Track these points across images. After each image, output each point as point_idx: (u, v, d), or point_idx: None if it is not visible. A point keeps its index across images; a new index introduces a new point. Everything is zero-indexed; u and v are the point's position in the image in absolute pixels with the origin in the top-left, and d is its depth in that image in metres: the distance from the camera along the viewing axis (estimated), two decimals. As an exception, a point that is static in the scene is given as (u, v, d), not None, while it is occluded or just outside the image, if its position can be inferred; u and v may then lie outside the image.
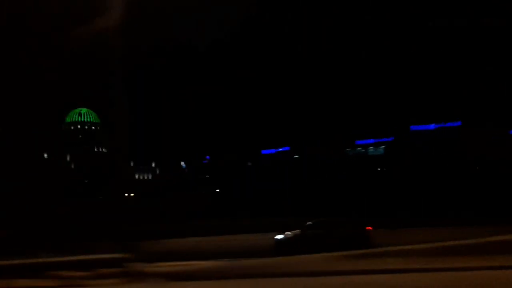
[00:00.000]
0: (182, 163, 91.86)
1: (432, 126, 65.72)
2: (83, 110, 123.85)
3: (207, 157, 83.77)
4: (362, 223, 25.19)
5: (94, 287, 15.11)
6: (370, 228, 24.60)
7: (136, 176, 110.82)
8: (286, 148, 73.55)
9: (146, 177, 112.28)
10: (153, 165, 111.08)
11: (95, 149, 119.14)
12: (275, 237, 25.90)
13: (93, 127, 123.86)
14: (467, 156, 55.38)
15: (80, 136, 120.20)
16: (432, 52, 66.06)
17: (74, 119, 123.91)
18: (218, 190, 68.64)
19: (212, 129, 78.94)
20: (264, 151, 75.93)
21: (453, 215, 34.03)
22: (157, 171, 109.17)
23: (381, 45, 66.03)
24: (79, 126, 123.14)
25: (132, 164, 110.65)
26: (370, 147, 67.26)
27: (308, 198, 49.58)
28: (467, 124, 62.12)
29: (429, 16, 63.69)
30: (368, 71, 66.30)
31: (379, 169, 58.62)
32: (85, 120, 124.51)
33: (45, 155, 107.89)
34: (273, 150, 75.11)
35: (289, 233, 25.74)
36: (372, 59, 66.08)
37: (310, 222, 25.46)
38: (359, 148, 67.73)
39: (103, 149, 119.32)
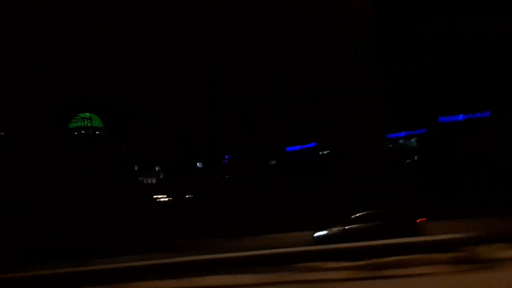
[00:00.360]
0: (199, 163, 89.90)
1: (461, 117, 64.56)
2: (87, 115, 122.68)
3: (227, 156, 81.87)
4: (412, 214, 23.53)
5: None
6: (424, 219, 22.91)
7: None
8: (313, 144, 71.94)
9: (150, 181, 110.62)
10: (157, 168, 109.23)
11: (101, 154, 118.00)
12: (315, 235, 24.28)
13: (97, 132, 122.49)
14: (499, 146, 53.83)
15: (84, 141, 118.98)
16: (458, 43, 64.39)
17: (78, 124, 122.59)
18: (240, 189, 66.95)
19: (231, 127, 77.20)
20: (289, 148, 74.28)
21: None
22: (161, 175, 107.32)
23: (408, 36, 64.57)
24: (83, 131, 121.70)
25: (136, 168, 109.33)
26: (401, 140, 66.08)
27: (337, 194, 47.82)
28: (496, 114, 60.75)
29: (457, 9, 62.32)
30: (394, 64, 64.66)
31: (410, 161, 57.01)
32: (89, 125, 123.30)
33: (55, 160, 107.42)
34: (298, 147, 73.53)
35: (333, 229, 24.15)
36: (397, 51, 64.43)
37: (355, 216, 23.83)
38: (389, 143, 66.42)
39: (109, 155, 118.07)
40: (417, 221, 22.74)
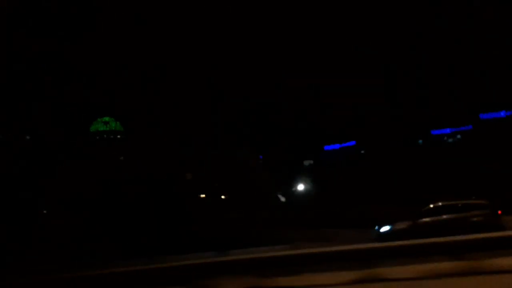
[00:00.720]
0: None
1: (503, 113, 63.51)
2: (107, 118, 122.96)
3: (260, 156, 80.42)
4: (491, 205, 22.23)
5: None
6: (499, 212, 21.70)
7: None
8: (352, 143, 70.56)
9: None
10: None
11: (121, 158, 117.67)
12: (381, 230, 23.17)
13: (118, 136, 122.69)
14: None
15: (105, 145, 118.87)
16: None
17: (98, 128, 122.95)
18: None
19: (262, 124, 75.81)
20: (326, 147, 72.96)
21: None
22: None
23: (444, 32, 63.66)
24: (104, 136, 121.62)
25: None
26: (446, 137, 64.93)
27: (381, 191, 46.38)
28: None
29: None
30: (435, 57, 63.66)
31: (456, 158, 55.52)
32: (109, 129, 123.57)
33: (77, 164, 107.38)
34: (336, 146, 72.16)
35: (401, 223, 23.01)
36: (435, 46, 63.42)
37: (426, 208, 22.63)
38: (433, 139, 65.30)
39: (128, 158, 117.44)
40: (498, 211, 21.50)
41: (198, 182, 72.99)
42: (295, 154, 70.80)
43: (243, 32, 75.13)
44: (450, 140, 65.44)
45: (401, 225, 22.60)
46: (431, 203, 22.41)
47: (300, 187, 60.87)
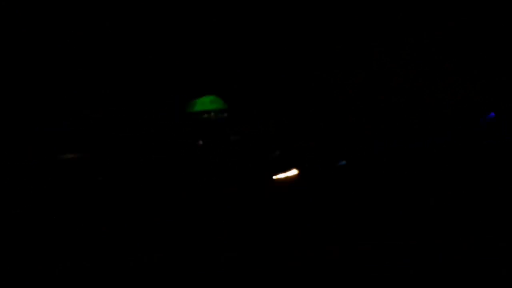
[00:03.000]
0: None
1: None
2: (210, 97, 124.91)
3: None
4: None
5: None
6: None
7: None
8: None
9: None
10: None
11: (229, 137, 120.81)
12: None
13: (222, 114, 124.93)
14: None
15: (209, 124, 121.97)
16: None
17: (202, 107, 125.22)
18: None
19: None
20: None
21: None
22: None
23: None
24: (207, 114, 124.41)
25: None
26: None
27: None
28: None
29: None
30: None
31: None
32: (213, 108, 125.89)
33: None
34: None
35: None
36: None
37: None
38: None
39: (235, 137, 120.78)
40: None
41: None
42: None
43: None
44: None
45: None
46: None
47: None
